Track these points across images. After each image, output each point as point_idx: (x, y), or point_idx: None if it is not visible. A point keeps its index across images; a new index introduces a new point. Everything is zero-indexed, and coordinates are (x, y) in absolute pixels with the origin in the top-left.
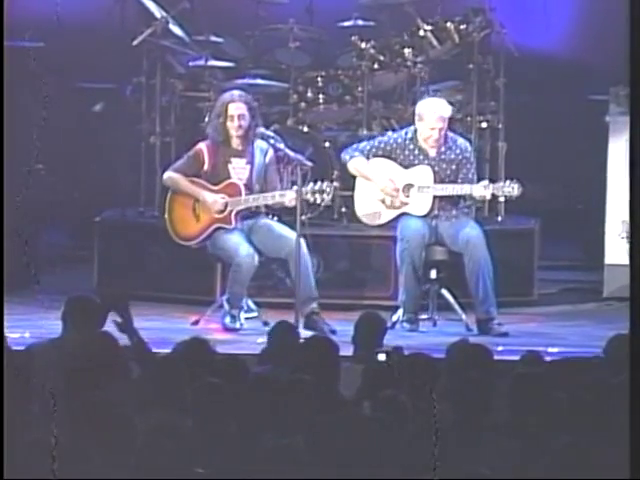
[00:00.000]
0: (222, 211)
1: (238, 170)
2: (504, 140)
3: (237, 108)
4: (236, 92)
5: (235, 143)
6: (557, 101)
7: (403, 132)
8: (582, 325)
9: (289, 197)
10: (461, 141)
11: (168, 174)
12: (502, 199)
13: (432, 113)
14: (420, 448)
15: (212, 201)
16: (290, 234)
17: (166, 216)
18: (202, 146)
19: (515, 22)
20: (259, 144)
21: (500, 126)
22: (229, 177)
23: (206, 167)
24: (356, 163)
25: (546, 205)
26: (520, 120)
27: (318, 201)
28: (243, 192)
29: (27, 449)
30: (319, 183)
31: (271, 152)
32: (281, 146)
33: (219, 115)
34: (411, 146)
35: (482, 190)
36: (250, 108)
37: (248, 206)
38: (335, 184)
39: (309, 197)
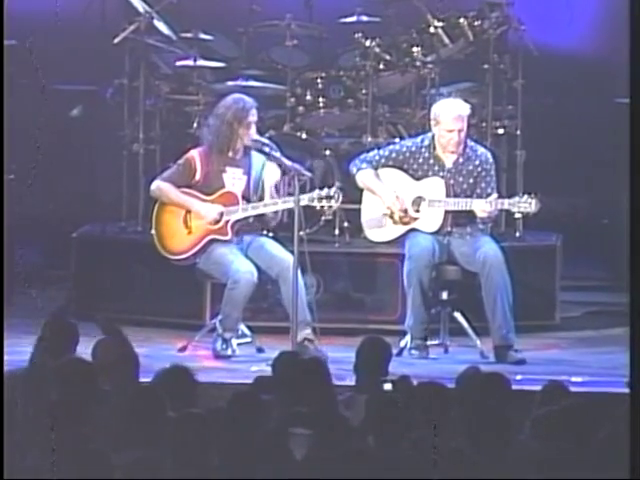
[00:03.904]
0: (217, 221)
1: (234, 180)
2: (522, 147)
3: (255, 115)
4: (244, 97)
5: (233, 152)
6: (581, 105)
7: (419, 139)
8: (608, 352)
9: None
10: (482, 151)
11: (156, 184)
12: (518, 215)
13: (449, 113)
14: None
15: (206, 210)
16: (282, 253)
17: (153, 231)
18: (194, 154)
19: (535, 18)
20: (256, 155)
21: (518, 132)
22: (224, 186)
23: (198, 177)
24: (363, 176)
25: (569, 219)
26: (540, 125)
27: (325, 208)
28: (240, 202)
29: None
30: (326, 189)
31: (268, 165)
32: (277, 155)
33: (231, 122)
34: (426, 154)
35: (489, 206)
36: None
37: (246, 216)
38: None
39: (316, 204)
